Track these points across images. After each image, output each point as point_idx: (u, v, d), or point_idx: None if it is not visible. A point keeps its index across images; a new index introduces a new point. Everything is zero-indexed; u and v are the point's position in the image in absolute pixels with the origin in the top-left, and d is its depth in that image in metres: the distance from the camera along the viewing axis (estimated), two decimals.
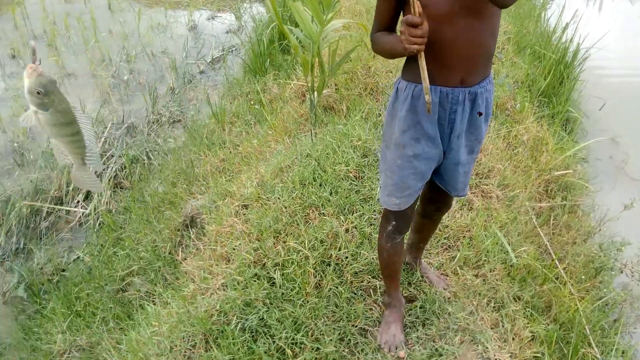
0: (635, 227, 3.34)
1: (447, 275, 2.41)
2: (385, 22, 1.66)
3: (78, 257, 3.77)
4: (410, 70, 1.66)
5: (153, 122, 5.22)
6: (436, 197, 2.00)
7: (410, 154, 1.70)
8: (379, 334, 2.09)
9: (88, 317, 3.01)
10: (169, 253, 3.29)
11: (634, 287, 3.08)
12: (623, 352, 2.71)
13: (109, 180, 4.40)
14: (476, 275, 2.41)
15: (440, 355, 2.01)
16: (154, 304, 2.56)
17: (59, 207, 4.16)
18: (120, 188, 4.48)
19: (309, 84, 3.47)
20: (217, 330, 2.07)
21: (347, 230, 2.54)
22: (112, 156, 4.67)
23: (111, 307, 3.02)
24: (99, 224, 4.04)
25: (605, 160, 4.33)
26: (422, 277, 2.34)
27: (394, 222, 1.86)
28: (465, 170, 1.82)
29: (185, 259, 2.86)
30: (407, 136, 1.68)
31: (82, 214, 4.14)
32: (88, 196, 4.30)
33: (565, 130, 4.40)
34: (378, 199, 2.35)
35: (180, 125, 5.24)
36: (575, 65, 4.87)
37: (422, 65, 1.50)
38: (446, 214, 2.42)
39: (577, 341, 2.41)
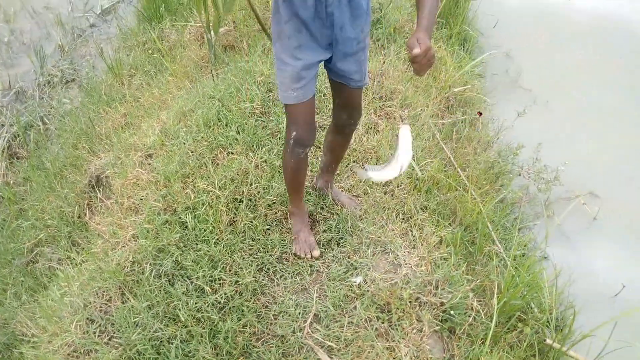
0: (528, 133, 3.58)
1: (358, 196, 2.49)
2: None
3: None
4: None
5: (44, 85, 4.83)
6: (343, 98, 2.01)
7: (295, 44, 1.75)
8: (293, 245, 2.22)
9: None
10: (78, 217, 3.15)
11: (531, 186, 3.34)
12: (525, 245, 2.98)
13: (2, 151, 4.07)
14: (385, 192, 2.51)
15: (356, 268, 2.11)
16: (66, 270, 2.47)
17: None
18: (17, 158, 4.16)
19: (205, 24, 3.32)
20: (132, 280, 2.03)
21: (257, 166, 2.53)
22: (2, 125, 4.31)
23: (22, 281, 2.88)
24: None
25: (502, 75, 4.55)
26: (334, 201, 2.40)
27: (294, 133, 1.88)
28: (356, 59, 1.85)
29: (94, 219, 2.74)
30: (290, 27, 1.72)
31: None
32: None
33: (464, 50, 4.55)
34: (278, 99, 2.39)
35: (74, 84, 4.88)
36: None
37: None
38: (353, 138, 2.48)
39: (481, 240, 2.61)
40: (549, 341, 2.31)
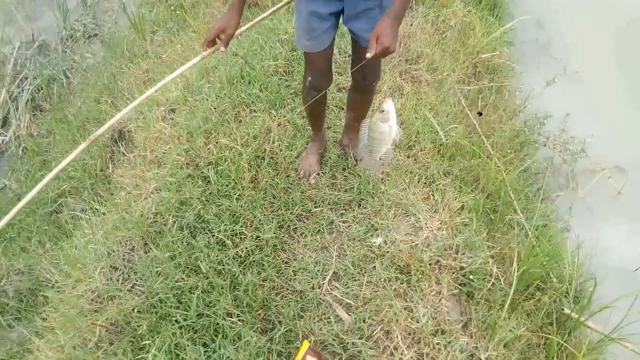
0: (556, 102, 3.48)
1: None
2: None
3: (5, 186, 3.59)
4: None
5: (67, 39, 4.81)
6: (357, 56, 1.96)
7: None
8: (299, 162, 2.33)
9: (23, 241, 2.92)
10: (101, 170, 3.18)
11: (555, 157, 3.28)
12: (547, 216, 2.94)
13: (26, 103, 4.11)
14: (408, 156, 2.48)
15: (376, 229, 2.10)
16: (90, 220, 2.50)
17: None
18: (40, 111, 4.20)
19: None
20: (155, 231, 2.05)
21: (279, 125, 2.51)
22: (26, 78, 4.33)
23: (46, 229, 2.94)
24: (22, 150, 3.82)
25: (531, 43, 4.41)
26: (356, 161, 2.38)
27: (309, 78, 1.97)
28: (368, 17, 1.79)
29: (117, 172, 2.77)
30: None
31: (2, 142, 3.89)
32: (5, 123, 4.03)
33: (493, 15, 4.41)
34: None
35: (97, 39, 4.86)
36: None
37: None
38: (376, 98, 2.44)
39: (503, 208, 2.58)
40: (567, 310, 2.30)
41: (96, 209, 2.59)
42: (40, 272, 2.56)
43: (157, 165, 2.40)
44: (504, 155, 2.97)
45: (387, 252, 2.03)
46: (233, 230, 2.02)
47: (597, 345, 2.14)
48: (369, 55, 1.54)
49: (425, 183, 2.37)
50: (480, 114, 2.36)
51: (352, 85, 2.14)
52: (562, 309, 2.32)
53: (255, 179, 2.27)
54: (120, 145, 3.13)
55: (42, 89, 4.25)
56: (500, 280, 2.13)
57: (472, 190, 2.56)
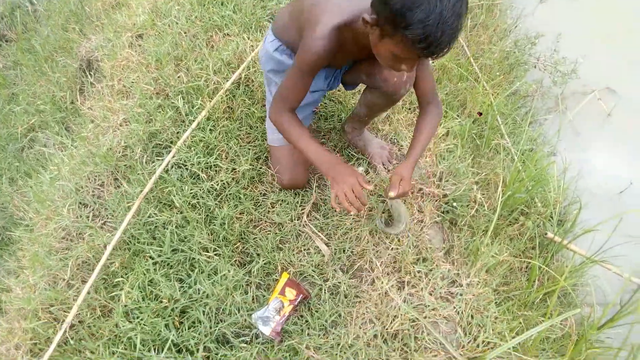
0: (549, 22, 3.32)
1: None
2: (299, 102, 1.61)
3: None
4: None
5: None
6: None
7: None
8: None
9: None
10: (71, 102, 3.03)
11: (545, 79, 3.16)
12: (534, 140, 2.87)
13: None
14: None
15: (357, 158, 2.02)
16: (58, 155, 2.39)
17: None
18: (5, 41, 3.95)
19: None
20: (125, 166, 1.96)
21: (254, 48, 2.35)
22: None
23: (17, 166, 2.83)
24: None
25: None
26: (355, 147, 2.08)
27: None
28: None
29: (86, 104, 2.62)
30: None
31: None
32: None
33: None
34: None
35: None
36: None
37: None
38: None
39: (489, 133, 2.49)
40: (550, 234, 2.29)
41: (63, 143, 2.47)
42: (12, 211, 2.49)
43: (126, 96, 2.26)
44: (492, 78, 2.85)
45: (370, 181, 1.96)
46: (207, 163, 1.93)
47: (579, 268, 2.13)
48: (392, 194, 1.60)
49: (409, 109, 2.27)
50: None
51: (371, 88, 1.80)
52: (546, 233, 2.31)
53: (230, 109, 2.15)
54: (89, 75, 2.96)
55: (5, 17, 3.98)
56: (484, 206, 2.08)
57: (457, 116, 2.47)
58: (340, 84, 1.90)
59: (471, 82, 2.66)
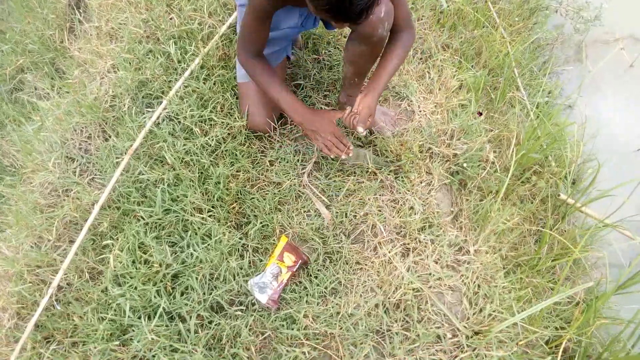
0: None
1: None
2: (262, 44, 1.56)
3: None
4: None
5: None
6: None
7: None
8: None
9: None
10: (60, 42, 2.84)
11: (567, 25, 2.94)
12: (549, 92, 2.70)
13: None
14: None
15: None
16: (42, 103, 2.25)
17: None
18: None
19: None
20: (113, 117, 1.82)
21: None
22: None
23: (5, 110, 2.68)
24: None
25: None
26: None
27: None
28: None
29: (75, 45, 2.44)
30: None
31: None
32: None
33: None
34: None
35: None
36: None
37: None
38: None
39: (504, 86, 2.33)
40: (563, 196, 2.18)
41: (52, 86, 2.32)
42: (1, 159, 2.38)
43: (114, 39, 2.08)
44: (511, 25, 2.64)
45: (374, 141, 1.83)
46: (201, 117, 1.79)
47: (592, 232, 2.04)
48: (361, 130, 1.56)
49: (421, 59, 2.10)
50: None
51: (353, 35, 1.57)
52: (558, 195, 2.20)
53: (227, 57, 1.98)
54: (78, 12, 2.75)
55: None
56: (496, 166, 1.96)
57: (472, 66, 2.29)
58: (321, 23, 1.79)
59: (487, 29, 2.46)
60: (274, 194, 1.73)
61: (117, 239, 1.56)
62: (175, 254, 1.56)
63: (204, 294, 1.49)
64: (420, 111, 1.90)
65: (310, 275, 1.60)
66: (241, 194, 1.73)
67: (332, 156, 1.66)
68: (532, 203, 2.10)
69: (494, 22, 2.51)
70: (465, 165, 1.88)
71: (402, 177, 1.77)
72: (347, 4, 1.07)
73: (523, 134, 2.21)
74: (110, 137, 1.78)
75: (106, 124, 1.81)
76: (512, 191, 2.08)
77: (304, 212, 1.72)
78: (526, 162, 2.15)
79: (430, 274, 1.60)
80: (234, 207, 1.70)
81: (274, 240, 1.66)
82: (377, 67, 1.59)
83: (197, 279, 1.50)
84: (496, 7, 2.58)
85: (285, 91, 1.58)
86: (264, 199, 1.72)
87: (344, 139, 1.63)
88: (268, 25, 1.49)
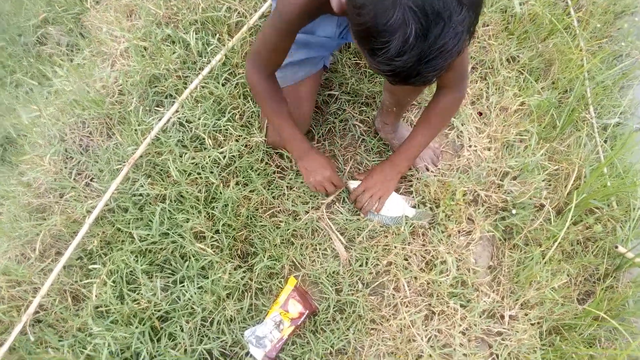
0: None
1: None
2: (278, 64, 1.32)
3: None
4: None
5: None
6: None
7: None
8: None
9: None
10: None
11: None
12: (621, 113, 2.34)
13: None
14: None
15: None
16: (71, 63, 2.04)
17: None
18: None
19: None
20: (119, 114, 1.61)
21: None
22: None
23: (26, 64, 2.52)
24: None
25: None
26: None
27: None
28: None
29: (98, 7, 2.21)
30: None
31: None
32: None
33: None
34: None
35: None
36: None
37: None
38: None
39: (571, 108, 1.98)
40: (621, 249, 1.88)
41: (77, 44, 2.10)
42: (7, 127, 2.22)
43: (131, 15, 1.84)
44: (592, 31, 2.25)
45: (407, 180, 1.57)
46: (216, 125, 1.56)
47: None
48: (350, 185, 1.52)
49: (480, 75, 1.78)
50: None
51: None
52: (616, 246, 1.90)
53: None
54: None
55: None
56: (551, 214, 1.67)
57: (537, 83, 1.95)
58: None
59: (563, 38, 2.09)
60: (288, 224, 1.52)
61: (105, 265, 1.39)
62: (167, 290, 1.38)
63: (192, 343, 1.32)
64: (470, 146, 1.61)
65: (317, 328, 1.41)
66: (251, 219, 1.52)
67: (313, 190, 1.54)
68: (584, 253, 1.82)
69: (573, 30, 2.14)
70: (514, 211, 1.61)
71: (437, 225, 1.52)
72: (414, 75, 0.81)
73: (586, 170, 1.90)
74: (112, 136, 1.58)
75: (110, 120, 1.61)
76: (563, 240, 1.80)
77: (320, 249, 1.50)
78: (585, 206, 1.85)
79: (454, 349, 1.38)
80: (241, 234, 1.49)
81: (281, 280, 1.46)
82: (414, 128, 1.41)
83: (186, 325, 1.33)
84: (579, 13, 2.18)
85: (292, 122, 1.40)
86: (277, 229, 1.51)
87: (339, 184, 1.51)
88: (290, 42, 1.23)
